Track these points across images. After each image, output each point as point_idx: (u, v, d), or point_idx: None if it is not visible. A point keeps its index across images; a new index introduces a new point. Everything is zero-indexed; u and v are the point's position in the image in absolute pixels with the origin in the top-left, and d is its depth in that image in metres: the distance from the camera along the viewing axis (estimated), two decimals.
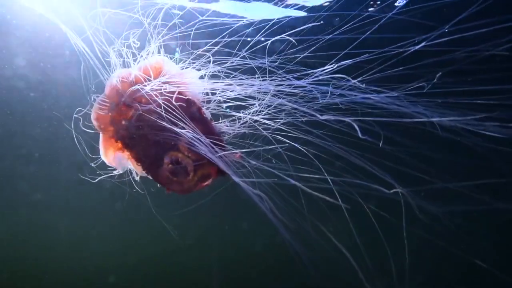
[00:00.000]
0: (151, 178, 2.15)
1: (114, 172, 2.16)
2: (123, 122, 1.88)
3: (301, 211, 1.80)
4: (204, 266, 8.18)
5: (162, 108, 1.89)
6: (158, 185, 2.17)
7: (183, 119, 1.94)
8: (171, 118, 1.90)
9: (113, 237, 8.07)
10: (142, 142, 1.99)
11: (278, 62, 1.92)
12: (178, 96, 1.95)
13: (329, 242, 1.70)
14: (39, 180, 6.85)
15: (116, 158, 2.13)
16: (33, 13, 3.76)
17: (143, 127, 1.91)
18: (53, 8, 1.96)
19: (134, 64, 1.92)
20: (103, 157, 2.10)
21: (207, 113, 2.06)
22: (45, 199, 7.19)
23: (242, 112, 2.06)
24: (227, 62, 1.97)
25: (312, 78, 1.86)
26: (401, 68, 1.71)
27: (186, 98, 1.98)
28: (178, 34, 1.95)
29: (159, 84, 1.90)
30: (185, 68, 1.97)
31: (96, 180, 2.11)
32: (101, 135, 2.08)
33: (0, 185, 7.03)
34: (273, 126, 1.98)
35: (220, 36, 1.98)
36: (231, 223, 7.55)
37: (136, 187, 2.26)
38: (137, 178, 2.21)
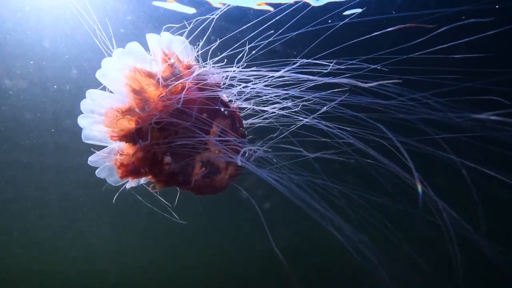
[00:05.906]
0: (180, 188, 1.95)
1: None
2: (148, 131, 1.65)
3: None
4: (204, 266, 8.12)
5: (184, 106, 1.68)
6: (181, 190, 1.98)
7: (209, 116, 1.75)
8: (198, 117, 1.70)
9: (112, 238, 7.96)
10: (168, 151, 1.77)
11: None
12: (197, 87, 1.74)
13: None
14: (41, 180, 6.67)
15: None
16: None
17: (171, 133, 1.69)
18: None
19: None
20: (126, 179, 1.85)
21: (234, 106, 1.87)
22: (46, 199, 7.02)
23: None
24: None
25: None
26: None
27: (207, 90, 1.78)
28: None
29: (174, 76, 1.68)
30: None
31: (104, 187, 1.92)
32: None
33: (1, 185, 6.74)
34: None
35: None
36: (231, 223, 7.49)
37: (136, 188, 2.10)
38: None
